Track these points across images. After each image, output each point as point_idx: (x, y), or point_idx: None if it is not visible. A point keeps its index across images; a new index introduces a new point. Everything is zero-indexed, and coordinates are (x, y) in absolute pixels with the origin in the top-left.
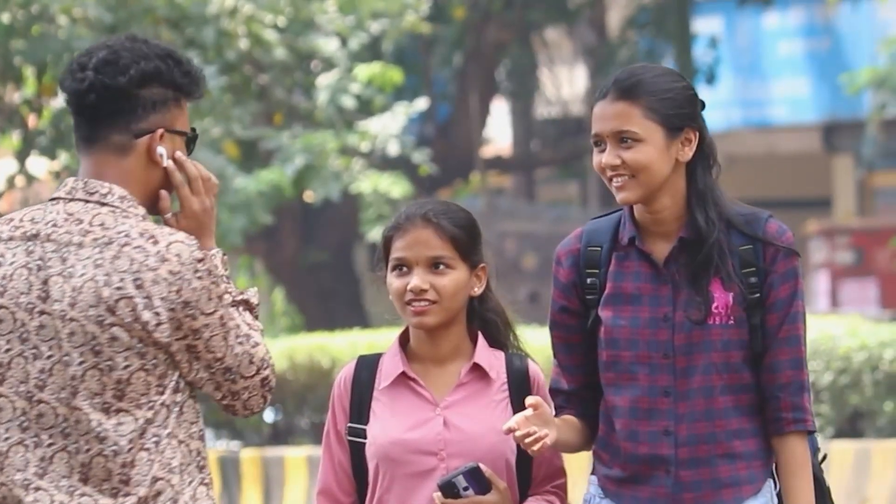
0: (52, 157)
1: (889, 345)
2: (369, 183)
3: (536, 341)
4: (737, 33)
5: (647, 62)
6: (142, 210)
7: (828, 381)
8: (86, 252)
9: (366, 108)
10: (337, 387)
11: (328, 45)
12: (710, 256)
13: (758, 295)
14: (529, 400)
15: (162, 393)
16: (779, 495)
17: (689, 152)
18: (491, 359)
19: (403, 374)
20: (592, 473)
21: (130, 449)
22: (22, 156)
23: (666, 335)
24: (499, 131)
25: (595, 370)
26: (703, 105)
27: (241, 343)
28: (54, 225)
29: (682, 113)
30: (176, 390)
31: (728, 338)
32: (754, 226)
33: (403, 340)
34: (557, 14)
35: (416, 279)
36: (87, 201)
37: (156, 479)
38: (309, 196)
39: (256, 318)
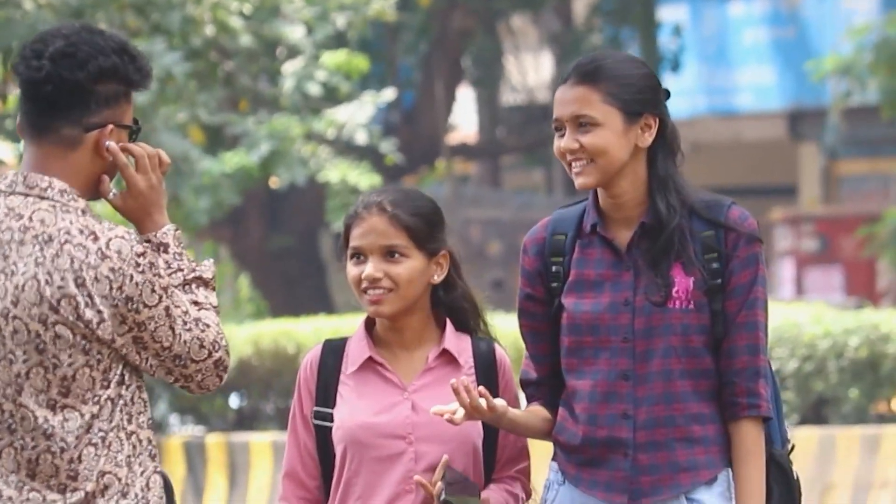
0: (18, 141)
1: (854, 332)
2: (337, 172)
3: (501, 328)
4: (702, 21)
5: (612, 49)
6: (82, 203)
7: (793, 368)
8: (27, 249)
9: (332, 95)
10: (303, 370)
11: (294, 33)
12: (671, 241)
13: (719, 280)
14: (452, 382)
15: (107, 387)
16: None
17: (648, 138)
18: (459, 344)
19: (370, 358)
20: (553, 459)
21: (77, 445)
22: None
23: (626, 319)
24: (464, 118)
25: (553, 360)
26: (667, 94)
27: (188, 329)
28: None
29: (641, 98)
30: (121, 383)
31: (688, 322)
32: (716, 211)
33: (369, 325)
34: (523, 1)
35: (371, 267)
36: (26, 195)
37: (103, 473)
38: (274, 182)
39: (213, 290)
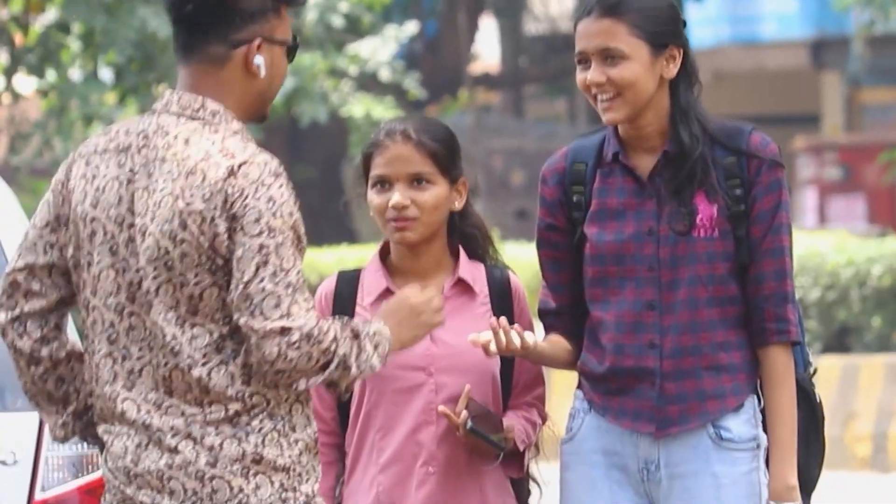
0: (40, 75)
1: (876, 260)
2: (360, 107)
3: (524, 257)
4: None
5: None
6: (236, 125)
7: (815, 296)
8: (167, 167)
9: (355, 27)
10: (318, 302)
11: None
12: (694, 169)
13: (743, 207)
14: (492, 322)
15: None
16: (763, 410)
17: (673, 69)
18: (473, 272)
19: (387, 289)
20: (578, 388)
21: (206, 362)
22: (9, 73)
23: (651, 249)
24: (487, 48)
25: (582, 289)
26: (684, 23)
27: (275, 283)
28: (145, 137)
29: (666, 30)
30: None
31: (713, 250)
32: (737, 138)
33: (384, 255)
34: None
35: (398, 195)
36: (179, 115)
37: (251, 394)
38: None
39: (356, 338)
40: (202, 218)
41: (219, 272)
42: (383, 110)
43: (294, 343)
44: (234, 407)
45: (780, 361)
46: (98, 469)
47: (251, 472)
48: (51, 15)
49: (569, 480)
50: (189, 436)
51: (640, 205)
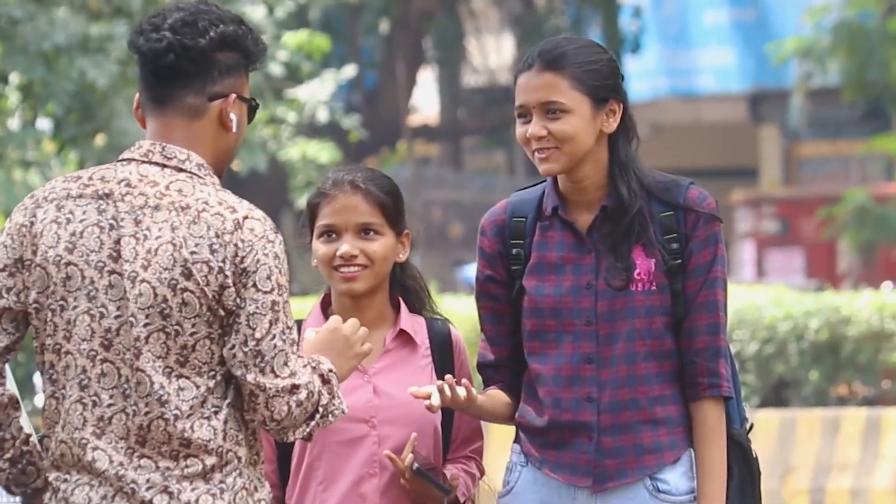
0: None
1: (814, 314)
2: (297, 150)
3: (462, 309)
4: (663, 3)
5: (574, 32)
6: (216, 179)
7: (753, 350)
8: (162, 215)
9: (293, 75)
10: None
11: (255, 13)
12: (632, 224)
13: (679, 261)
14: (442, 382)
15: (223, 364)
16: None
17: (613, 124)
18: (414, 324)
19: None
20: (515, 442)
21: (191, 415)
22: None
23: (589, 302)
24: (426, 100)
25: (520, 341)
26: (622, 77)
27: (284, 340)
28: (128, 185)
29: (607, 84)
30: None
31: (650, 304)
32: (675, 193)
33: (324, 306)
34: None
35: (347, 245)
36: (164, 166)
37: (224, 450)
38: (236, 165)
39: (327, 383)
40: (209, 268)
41: (214, 324)
42: (321, 150)
43: (301, 401)
44: (211, 462)
45: (710, 416)
46: None
47: None
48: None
49: None
50: (165, 490)
51: (579, 259)
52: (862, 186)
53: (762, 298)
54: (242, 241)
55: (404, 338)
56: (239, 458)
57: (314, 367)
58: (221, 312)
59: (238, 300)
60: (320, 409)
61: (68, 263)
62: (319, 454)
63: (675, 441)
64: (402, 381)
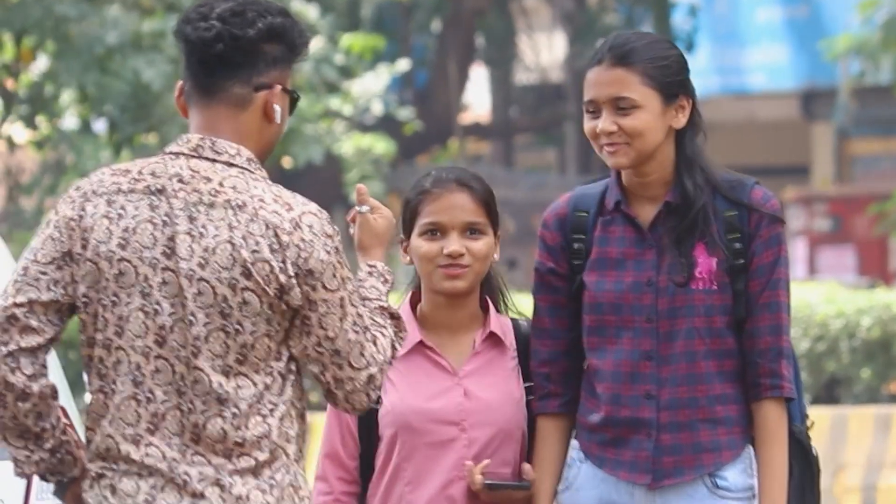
0: (32, 126)
1: (866, 312)
2: (352, 143)
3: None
4: (715, 1)
5: (627, 29)
6: (265, 172)
7: (805, 347)
8: (218, 213)
9: (348, 75)
10: None
11: (310, 12)
12: (696, 221)
13: (742, 261)
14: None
15: (279, 360)
16: None
17: (682, 119)
18: (503, 325)
19: (420, 342)
20: (574, 438)
21: (249, 413)
22: (1, 121)
23: (649, 299)
24: (477, 98)
25: (577, 336)
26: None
27: (356, 332)
28: (181, 181)
29: (677, 80)
30: (291, 359)
31: (711, 303)
32: (739, 192)
33: (413, 304)
34: None
35: (455, 244)
36: (214, 161)
37: (275, 446)
38: (287, 161)
39: (398, 329)
40: (270, 268)
41: (274, 321)
42: (375, 141)
43: (377, 386)
44: (263, 458)
45: (772, 417)
46: None
47: None
48: (42, 63)
49: None
50: (217, 482)
51: (640, 255)
52: None
53: (814, 296)
54: (303, 240)
55: (493, 339)
56: (287, 455)
57: (382, 313)
58: (284, 309)
59: (306, 301)
60: (392, 357)
61: (121, 259)
62: (408, 455)
63: (733, 440)
64: (491, 384)
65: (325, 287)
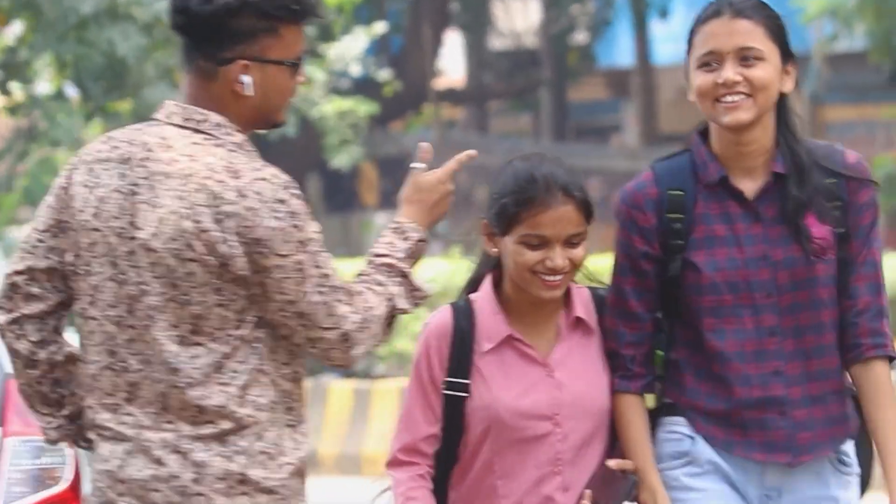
0: (5, 92)
1: None
2: (332, 107)
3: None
4: None
5: None
6: (238, 137)
7: None
8: (172, 183)
9: (325, 33)
10: (433, 338)
11: None
12: (808, 190)
13: (843, 229)
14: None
15: (239, 328)
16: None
17: (790, 84)
18: (587, 305)
19: (510, 336)
20: (672, 416)
21: (205, 382)
22: None
23: (767, 274)
24: (451, 64)
25: (657, 318)
26: None
27: (321, 293)
28: (148, 149)
29: (788, 42)
30: (259, 326)
31: (830, 272)
32: (834, 159)
33: (495, 283)
34: None
35: (559, 258)
36: (182, 127)
37: (242, 415)
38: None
39: (411, 291)
40: (212, 239)
41: (225, 291)
42: (358, 104)
43: (356, 343)
44: (226, 426)
45: (882, 376)
46: (57, 483)
47: (235, 492)
48: (16, 28)
49: (699, 494)
50: (177, 450)
51: (749, 229)
52: (888, 151)
53: None
54: (249, 208)
55: (579, 324)
56: (259, 423)
57: (389, 271)
58: (234, 277)
59: (258, 268)
60: (393, 312)
61: (94, 229)
62: (500, 450)
63: (852, 411)
64: (580, 373)
65: (276, 253)
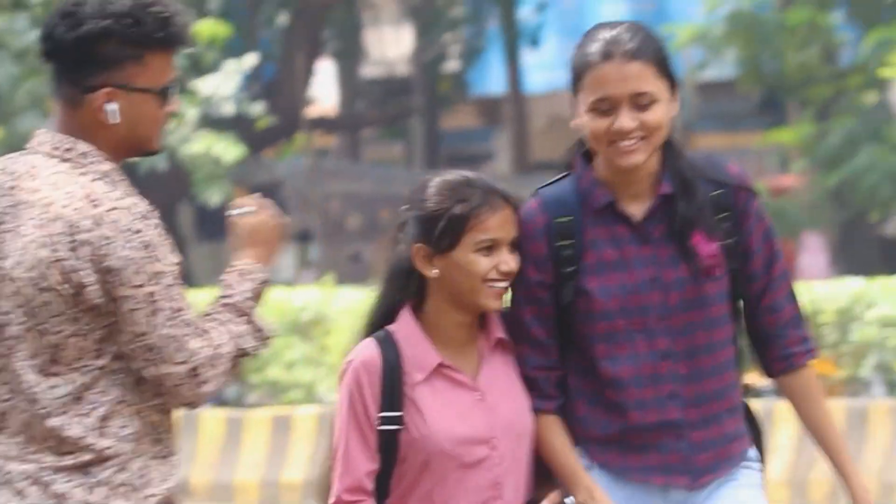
0: None
1: None
2: (202, 144)
3: (356, 301)
4: None
5: (472, 24)
6: (106, 165)
7: None
8: (34, 212)
9: (196, 66)
10: (362, 374)
11: None
12: (694, 209)
13: (733, 239)
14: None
15: (98, 357)
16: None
17: (675, 108)
18: (501, 325)
19: (441, 364)
20: (575, 445)
21: (64, 412)
22: None
23: (658, 297)
24: (324, 91)
25: (559, 343)
26: None
27: (172, 326)
28: (15, 178)
29: (673, 70)
30: (120, 357)
31: (721, 290)
32: (720, 171)
33: (414, 309)
34: None
35: (512, 261)
36: (50, 155)
37: (103, 447)
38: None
39: (252, 328)
40: (66, 268)
41: (81, 321)
42: (226, 147)
43: (205, 379)
44: (86, 457)
45: (812, 378)
46: None
47: None
48: None
49: None
50: (38, 481)
51: (638, 252)
52: (758, 179)
53: None
54: (103, 237)
55: (500, 344)
56: (122, 455)
57: (235, 310)
58: (89, 307)
59: (110, 298)
60: (238, 354)
61: None
62: (441, 479)
63: (744, 426)
64: (509, 394)
65: (126, 283)
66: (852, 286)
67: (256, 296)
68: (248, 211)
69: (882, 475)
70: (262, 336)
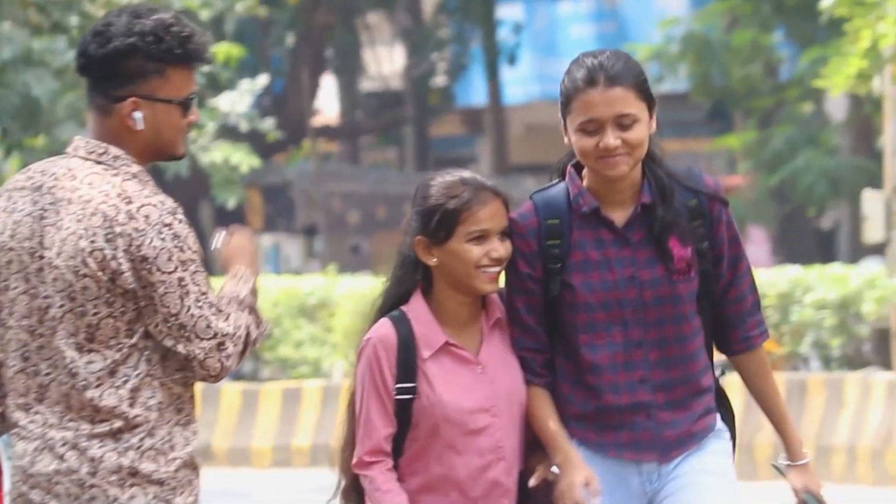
0: None
1: None
2: (220, 153)
3: (356, 287)
4: (535, 18)
5: (457, 45)
6: (135, 167)
7: None
8: (73, 208)
9: (213, 83)
10: (380, 349)
11: None
12: (671, 216)
13: (706, 244)
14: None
15: (131, 336)
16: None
17: (654, 125)
18: (501, 307)
19: (447, 343)
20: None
21: (99, 385)
22: None
23: (635, 293)
24: (327, 103)
25: (547, 330)
26: None
27: (200, 307)
28: (55, 178)
29: (651, 92)
30: (149, 336)
31: (691, 289)
32: (695, 180)
33: (423, 292)
34: (378, 0)
35: (503, 248)
36: (85, 159)
37: (134, 416)
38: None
39: (257, 322)
40: (104, 256)
41: (115, 304)
42: (242, 158)
43: (230, 354)
44: (118, 424)
45: (763, 354)
46: None
47: (127, 483)
48: None
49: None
50: (75, 447)
51: (618, 253)
52: None
53: None
54: (136, 229)
55: (498, 322)
56: (150, 422)
57: (240, 304)
58: (123, 291)
59: (144, 283)
60: (249, 344)
61: (10, 249)
62: (450, 443)
63: (713, 403)
64: (507, 368)
65: (160, 270)
66: (791, 273)
67: (254, 294)
68: (226, 238)
69: (818, 440)
70: (263, 327)
